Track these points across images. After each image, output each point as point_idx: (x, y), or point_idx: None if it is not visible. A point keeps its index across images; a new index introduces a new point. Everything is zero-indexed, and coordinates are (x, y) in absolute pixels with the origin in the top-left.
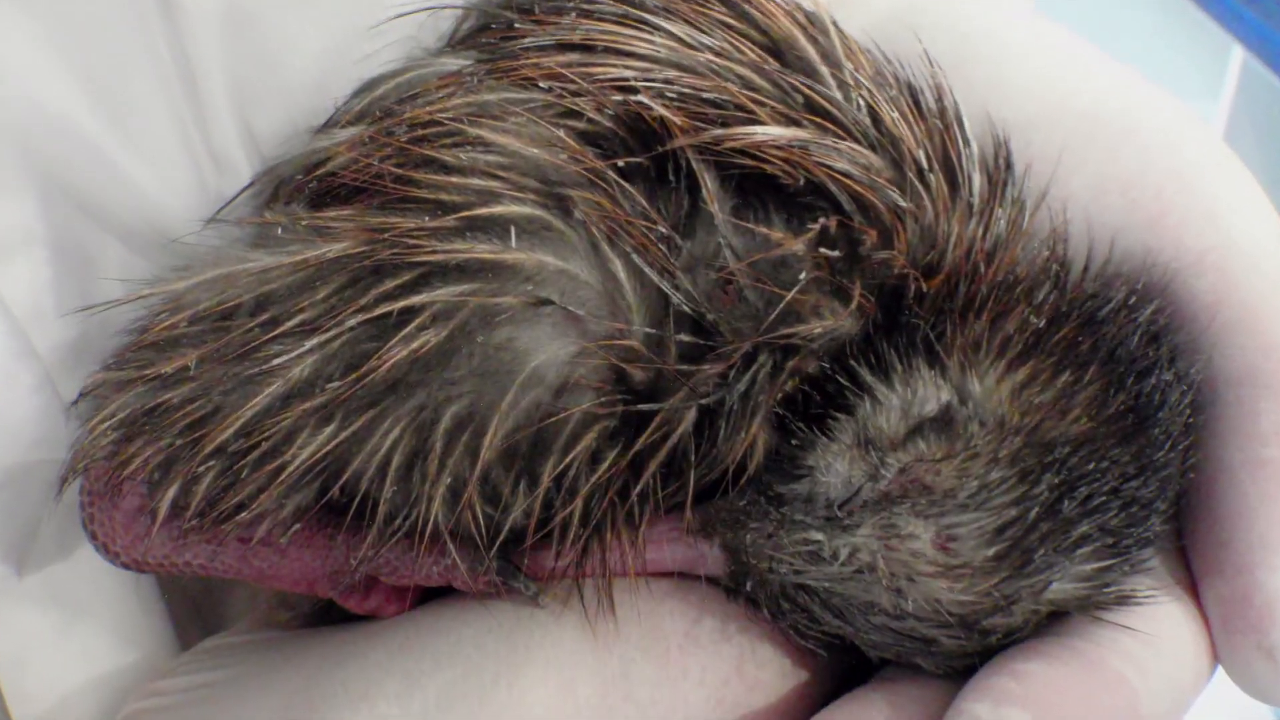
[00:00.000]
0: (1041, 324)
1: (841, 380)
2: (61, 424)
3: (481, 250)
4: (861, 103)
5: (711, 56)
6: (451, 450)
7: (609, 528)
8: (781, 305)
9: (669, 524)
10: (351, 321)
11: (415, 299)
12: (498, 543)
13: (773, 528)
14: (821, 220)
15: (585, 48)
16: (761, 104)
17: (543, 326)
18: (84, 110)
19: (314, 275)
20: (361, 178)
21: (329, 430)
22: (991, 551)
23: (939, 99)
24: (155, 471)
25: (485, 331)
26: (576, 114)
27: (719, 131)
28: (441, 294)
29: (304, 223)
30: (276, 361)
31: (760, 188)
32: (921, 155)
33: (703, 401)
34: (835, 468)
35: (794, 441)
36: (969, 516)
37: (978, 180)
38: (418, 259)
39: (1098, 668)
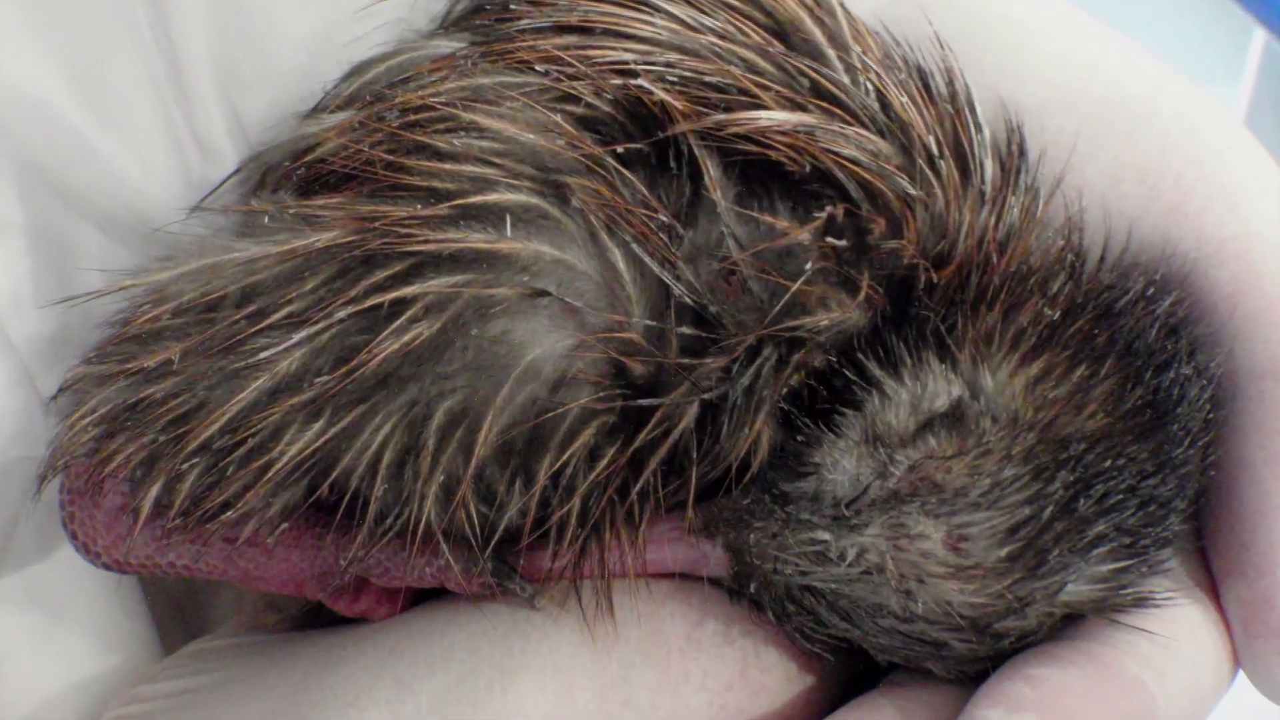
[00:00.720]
0: (1056, 316)
1: (849, 374)
2: (40, 420)
3: (476, 239)
4: (869, 87)
5: (714, 39)
6: (445, 447)
7: (608, 527)
8: (786, 297)
9: (670, 523)
10: (341, 313)
11: (407, 290)
12: (492, 543)
13: (777, 527)
14: (828, 208)
15: (583, 30)
16: (766, 88)
17: (539, 319)
18: (64, 95)
19: (302, 265)
20: (351, 164)
21: (318, 426)
22: (1004, 552)
23: (950, 83)
24: (137, 469)
25: (479, 324)
26: (574, 98)
27: (722, 117)
28: (434, 285)
29: (292, 211)
30: (263, 355)
31: (765, 175)
32: (932, 141)
33: (705, 396)
34: (842, 465)
35: (799, 438)
36: (981, 515)
37: (990, 167)
38: (409, 249)
39: (1114, 672)
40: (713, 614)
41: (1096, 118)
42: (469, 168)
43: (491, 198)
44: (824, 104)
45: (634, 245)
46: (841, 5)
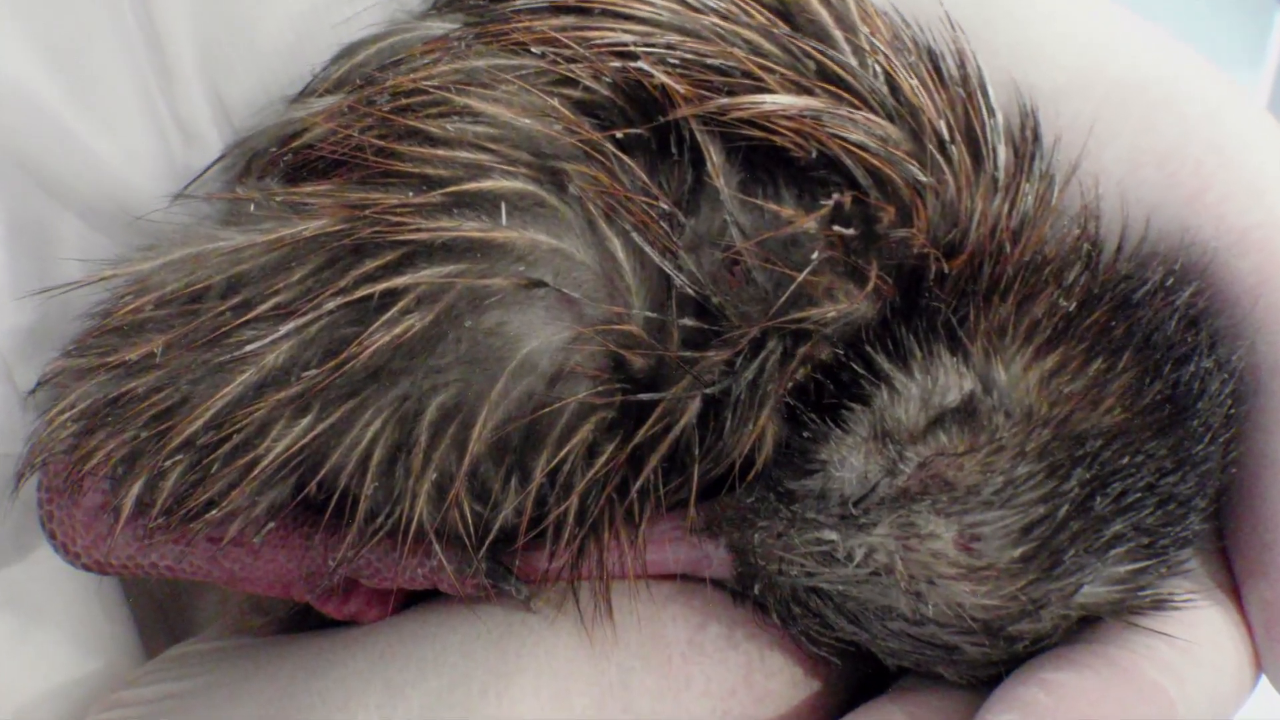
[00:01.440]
0: (1072, 307)
1: (857, 368)
2: (18, 415)
3: (469, 228)
4: (878, 69)
5: (717, 20)
6: (437, 443)
7: (607, 526)
8: (792, 287)
9: (671, 523)
10: (330, 305)
11: (398, 281)
12: (487, 543)
13: (783, 527)
14: (835, 196)
15: (581, 10)
16: (770, 71)
17: (535, 310)
18: (41, 77)
19: (289, 255)
20: (340, 150)
21: (305, 422)
22: (1018, 552)
23: (961, 65)
24: (119, 466)
25: (473, 316)
26: (572, 82)
27: (725, 100)
28: (426, 275)
29: (279, 199)
30: (249, 348)
31: (769, 161)
32: (943, 126)
33: (707, 391)
34: (850, 462)
35: (805, 434)
36: (994, 514)
37: (1003, 153)
38: (401, 238)
39: (1132, 677)
40: (716, 617)
41: (1114, 101)
42: (462, 153)
43: (486, 185)
44: (831, 87)
45: (634, 234)
46: None
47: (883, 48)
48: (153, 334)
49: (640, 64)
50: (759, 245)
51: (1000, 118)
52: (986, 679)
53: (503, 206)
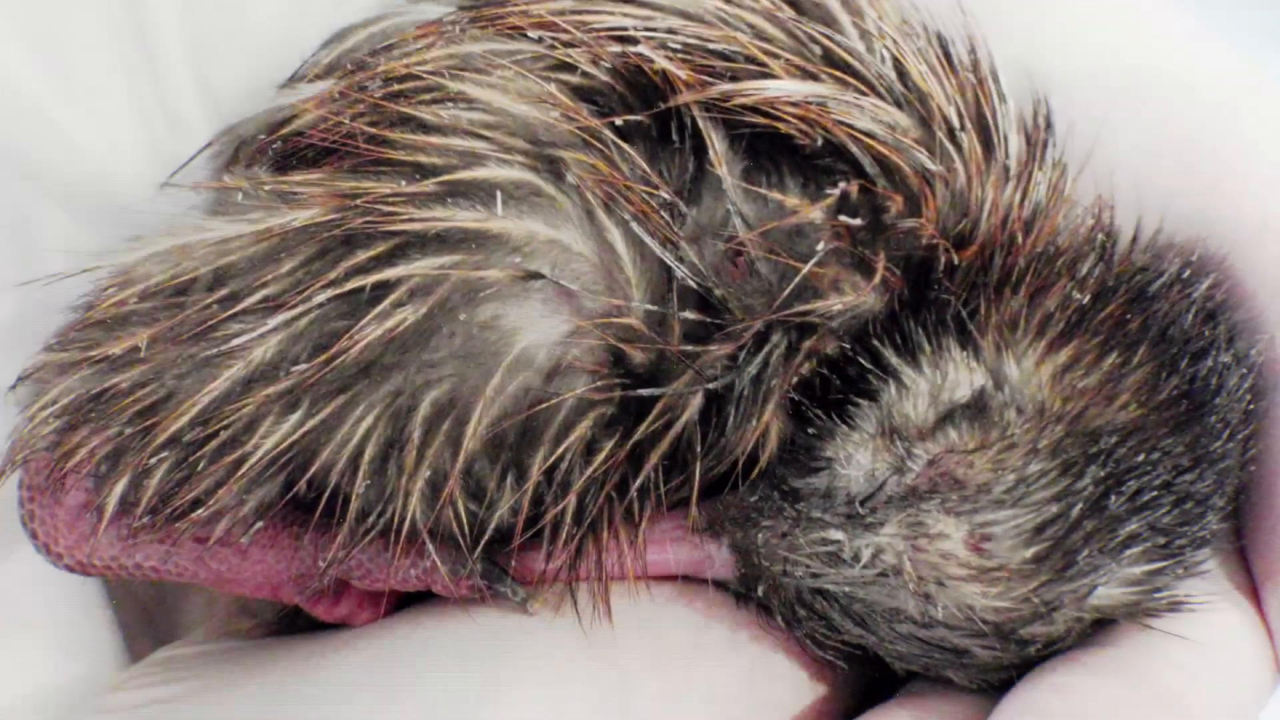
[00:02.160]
0: (1086, 300)
1: (863, 362)
2: None
3: (464, 218)
4: (886, 54)
5: (720, 3)
6: (431, 440)
7: (605, 526)
8: (797, 279)
9: (672, 522)
10: (320, 297)
11: (391, 272)
12: (482, 543)
13: (787, 526)
14: (841, 185)
15: None
16: (775, 56)
17: (532, 303)
18: (22, 64)
19: (278, 246)
20: (331, 138)
21: (295, 418)
22: (1030, 553)
23: (972, 51)
24: (102, 464)
25: (468, 308)
26: (570, 67)
27: (728, 86)
28: (420, 267)
29: (267, 188)
30: (237, 342)
31: (774, 149)
32: (952, 113)
33: (710, 386)
34: (857, 459)
35: (811, 430)
36: (1005, 514)
37: (1015, 141)
38: (393, 228)
39: (1147, 681)
40: (718, 619)
41: (1129, 88)
42: (457, 141)
43: (481, 173)
44: (837, 73)
45: (633, 224)
46: None
47: (890, 32)
48: (137, 327)
49: (640, 48)
50: (763, 236)
51: (1012, 104)
52: (997, 683)
53: (498, 196)
